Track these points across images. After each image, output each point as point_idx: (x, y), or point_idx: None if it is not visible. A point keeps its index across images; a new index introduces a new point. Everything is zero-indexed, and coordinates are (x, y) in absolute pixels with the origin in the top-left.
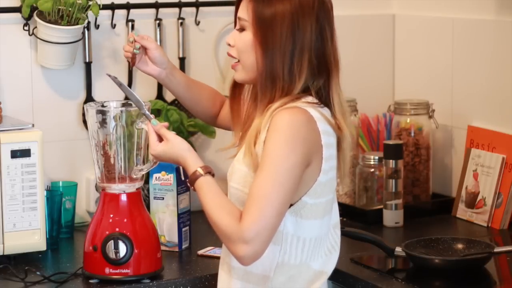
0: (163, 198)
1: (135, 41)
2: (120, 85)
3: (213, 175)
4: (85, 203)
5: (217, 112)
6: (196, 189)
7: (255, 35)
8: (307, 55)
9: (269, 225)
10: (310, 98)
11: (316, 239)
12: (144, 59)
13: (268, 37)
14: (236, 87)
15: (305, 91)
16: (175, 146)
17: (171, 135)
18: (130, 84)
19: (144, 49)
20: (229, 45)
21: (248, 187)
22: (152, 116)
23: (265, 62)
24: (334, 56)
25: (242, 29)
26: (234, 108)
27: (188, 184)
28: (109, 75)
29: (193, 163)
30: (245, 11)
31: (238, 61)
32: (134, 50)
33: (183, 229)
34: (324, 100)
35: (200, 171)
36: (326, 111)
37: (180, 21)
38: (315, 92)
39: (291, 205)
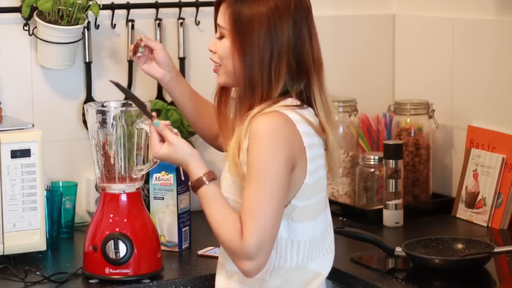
0: (163, 198)
1: (141, 39)
2: (122, 89)
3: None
4: (85, 203)
5: (217, 133)
6: (199, 196)
7: (233, 42)
8: (285, 59)
9: (267, 236)
10: (289, 101)
11: (311, 241)
12: (149, 61)
13: (246, 44)
14: (222, 95)
15: (286, 94)
16: (178, 150)
17: (174, 138)
18: (130, 84)
19: (149, 50)
20: (210, 51)
21: (236, 195)
22: (154, 115)
23: (244, 70)
24: (314, 57)
25: (221, 36)
26: (220, 118)
27: (191, 189)
28: (112, 81)
29: (196, 168)
30: (222, 18)
31: (220, 65)
32: (140, 48)
33: (183, 229)
34: (307, 101)
35: (204, 179)
36: (308, 111)
37: (180, 21)
38: (296, 94)
39: None
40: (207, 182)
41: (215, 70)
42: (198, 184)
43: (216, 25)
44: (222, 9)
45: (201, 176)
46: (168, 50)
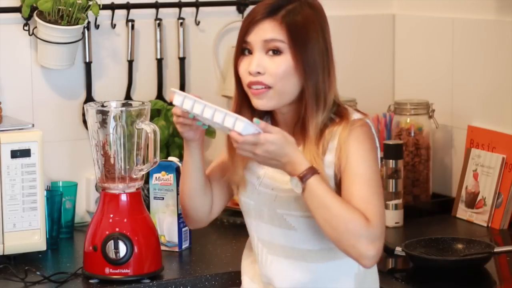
0: (163, 198)
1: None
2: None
3: None
4: (85, 203)
5: (210, 218)
6: (315, 183)
7: (296, 57)
8: (333, 65)
9: (384, 222)
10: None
11: None
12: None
13: (309, 58)
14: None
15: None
16: (287, 137)
17: (277, 128)
18: (130, 84)
19: None
20: (258, 73)
21: (301, 209)
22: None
23: (308, 83)
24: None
25: (276, 52)
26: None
27: (297, 180)
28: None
29: (302, 157)
30: (277, 33)
31: (268, 87)
32: (203, 126)
33: (183, 229)
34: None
35: (315, 168)
36: None
37: (180, 21)
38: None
39: None
40: (318, 171)
41: (258, 94)
42: (313, 171)
43: (242, 44)
44: (272, 24)
45: (313, 165)
46: (168, 50)
